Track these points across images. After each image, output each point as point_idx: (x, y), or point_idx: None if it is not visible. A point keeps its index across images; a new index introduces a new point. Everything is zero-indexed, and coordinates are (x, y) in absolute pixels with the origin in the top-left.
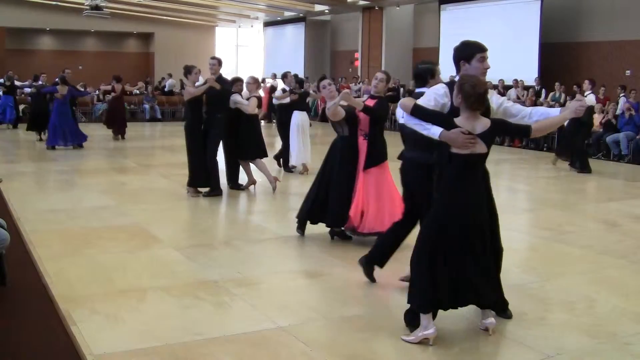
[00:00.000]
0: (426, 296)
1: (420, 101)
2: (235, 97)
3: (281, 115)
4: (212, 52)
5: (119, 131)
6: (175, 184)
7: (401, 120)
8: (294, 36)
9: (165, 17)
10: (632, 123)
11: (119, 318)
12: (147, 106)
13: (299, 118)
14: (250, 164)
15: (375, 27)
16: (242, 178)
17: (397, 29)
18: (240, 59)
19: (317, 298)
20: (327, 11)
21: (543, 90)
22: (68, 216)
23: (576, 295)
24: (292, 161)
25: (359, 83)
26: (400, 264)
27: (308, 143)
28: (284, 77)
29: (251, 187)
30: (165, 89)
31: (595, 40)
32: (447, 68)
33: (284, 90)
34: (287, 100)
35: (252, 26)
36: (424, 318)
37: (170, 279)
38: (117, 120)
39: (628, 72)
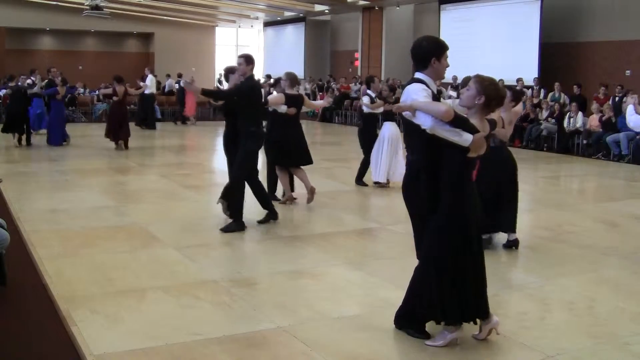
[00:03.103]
0: (456, 312)
1: (421, 98)
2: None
3: (367, 125)
4: (212, 52)
5: (125, 140)
6: (175, 184)
7: (427, 126)
8: (294, 36)
9: (165, 17)
10: None
11: (119, 318)
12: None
13: (391, 130)
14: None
15: (375, 27)
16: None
17: (397, 29)
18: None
19: (317, 298)
20: (327, 11)
21: (542, 90)
22: (68, 216)
23: (576, 295)
24: (378, 177)
25: (358, 83)
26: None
27: (400, 158)
28: (370, 81)
29: (288, 202)
30: (166, 89)
31: (595, 40)
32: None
33: (370, 98)
34: (381, 109)
35: (252, 26)
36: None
37: (170, 279)
38: (122, 128)
39: (628, 72)
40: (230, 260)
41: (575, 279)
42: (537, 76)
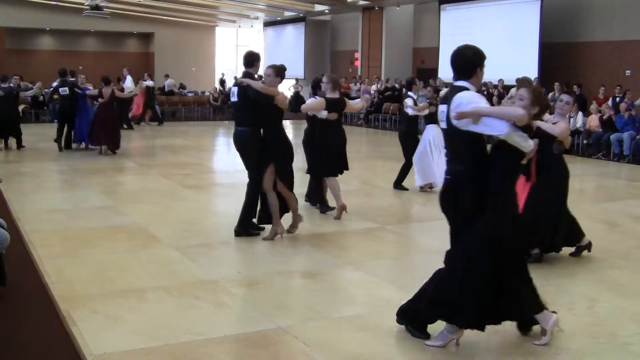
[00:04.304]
0: (480, 317)
1: (484, 104)
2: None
3: (409, 128)
4: (212, 52)
5: (109, 145)
6: (175, 184)
7: (504, 132)
8: (294, 36)
9: (165, 17)
10: (632, 123)
11: (119, 318)
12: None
13: (435, 133)
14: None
15: (375, 27)
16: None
17: (397, 29)
18: (240, 59)
19: (317, 298)
20: (327, 11)
21: (543, 90)
22: (68, 216)
23: (576, 295)
24: (422, 180)
25: (358, 83)
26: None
27: (442, 161)
28: (412, 83)
29: (343, 212)
30: (165, 89)
31: (595, 40)
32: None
33: (413, 100)
34: (426, 112)
35: (252, 26)
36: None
37: (170, 279)
38: (107, 132)
39: (628, 72)
40: (230, 260)
41: (575, 279)
42: (537, 76)
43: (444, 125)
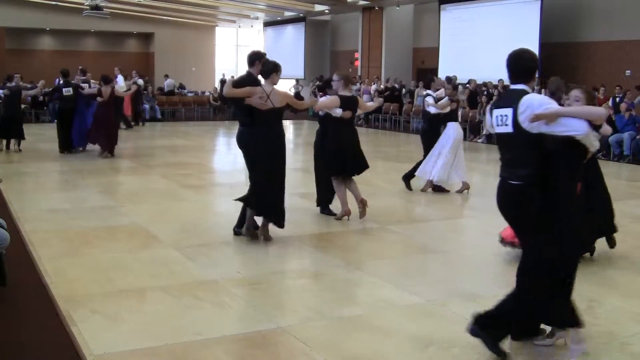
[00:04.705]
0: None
1: (556, 105)
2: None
3: (431, 125)
4: (212, 52)
5: (107, 147)
6: (175, 184)
7: (582, 132)
8: (294, 36)
9: (165, 17)
10: (632, 123)
11: (119, 318)
12: (147, 106)
13: (457, 130)
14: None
15: (375, 27)
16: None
17: (397, 29)
18: (240, 59)
19: (317, 298)
20: (327, 11)
21: (543, 91)
22: (68, 216)
23: (576, 295)
24: (434, 175)
25: (358, 83)
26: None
27: (461, 159)
28: (431, 81)
29: (345, 218)
30: (165, 89)
31: (595, 40)
32: (446, 68)
33: (434, 99)
34: (448, 109)
35: (252, 26)
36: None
37: (170, 279)
38: (106, 133)
39: (628, 72)
40: (230, 260)
41: (576, 279)
42: (537, 76)
43: (504, 129)
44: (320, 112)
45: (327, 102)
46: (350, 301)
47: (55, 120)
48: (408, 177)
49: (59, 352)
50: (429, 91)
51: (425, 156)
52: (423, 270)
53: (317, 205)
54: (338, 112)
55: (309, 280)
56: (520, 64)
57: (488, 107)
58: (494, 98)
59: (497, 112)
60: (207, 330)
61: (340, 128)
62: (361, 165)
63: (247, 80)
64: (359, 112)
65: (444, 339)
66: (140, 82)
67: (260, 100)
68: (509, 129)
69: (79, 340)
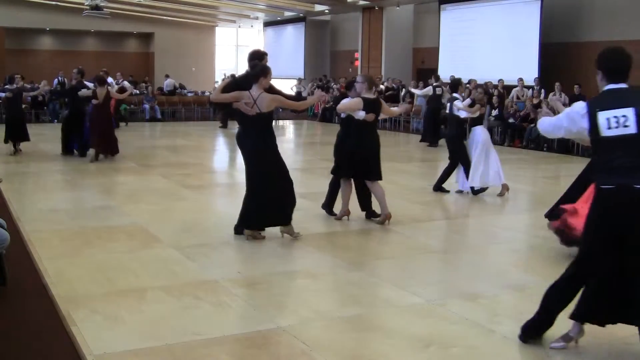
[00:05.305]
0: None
1: None
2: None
3: (458, 130)
4: (212, 52)
5: (106, 149)
6: (175, 184)
7: None
8: (294, 36)
9: (165, 17)
10: None
11: (119, 318)
12: (147, 106)
13: (485, 134)
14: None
15: (375, 27)
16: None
17: (397, 29)
18: (240, 59)
19: (317, 298)
20: (327, 11)
21: (543, 90)
22: (68, 216)
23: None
24: (474, 182)
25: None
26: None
27: (492, 161)
28: (458, 84)
29: (344, 218)
30: (164, 89)
31: (595, 40)
32: (446, 68)
33: (462, 101)
34: (477, 113)
35: (252, 26)
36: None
37: (170, 279)
38: (103, 136)
39: None
40: (230, 260)
41: None
42: (537, 76)
43: (623, 131)
44: (342, 114)
45: (350, 104)
46: (350, 301)
47: (56, 120)
48: (440, 185)
49: (59, 352)
50: (455, 94)
51: (451, 162)
52: (423, 270)
53: (363, 210)
54: (361, 114)
55: (309, 280)
56: (619, 63)
57: (581, 109)
58: (494, 99)
59: (606, 114)
60: (207, 330)
61: (363, 131)
62: (374, 173)
63: (243, 82)
64: (382, 116)
65: (444, 339)
66: (126, 84)
67: (246, 106)
68: (631, 130)
69: (79, 340)
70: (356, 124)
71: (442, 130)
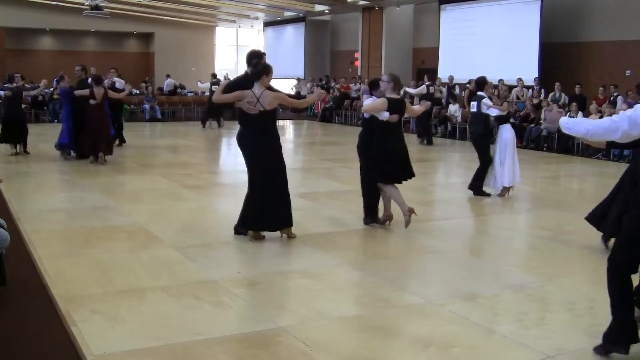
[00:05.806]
0: None
1: None
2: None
3: (486, 129)
4: (212, 52)
5: (105, 150)
6: (175, 184)
7: None
8: (294, 36)
9: (165, 17)
10: None
11: (119, 318)
12: (147, 106)
13: (511, 132)
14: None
15: (375, 27)
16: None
17: (397, 29)
18: (240, 59)
19: (317, 298)
20: (327, 11)
21: (543, 90)
22: (68, 216)
23: (576, 295)
24: (506, 182)
25: (358, 83)
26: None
27: (517, 161)
28: (484, 83)
29: (386, 223)
30: (165, 89)
31: (595, 40)
32: (446, 68)
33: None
34: (506, 112)
35: (252, 26)
36: None
37: (170, 279)
38: (101, 138)
39: (628, 72)
40: (230, 260)
41: (575, 279)
42: (537, 76)
43: None
44: (365, 115)
45: (375, 105)
46: (350, 301)
47: (56, 120)
48: (479, 189)
49: (59, 352)
50: (481, 93)
51: (483, 161)
52: (423, 270)
53: (365, 215)
54: (385, 115)
55: (309, 280)
56: None
57: (622, 105)
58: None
59: None
60: (207, 330)
61: (388, 132)
62: (410, 172)
63: (243, 82)
64: (406, 115)
65: (444, 339)
66: (119, 82)
67: (249, 105)
68: None
69: (79, 340)
70: (380, 124)
71: (437, 129)
